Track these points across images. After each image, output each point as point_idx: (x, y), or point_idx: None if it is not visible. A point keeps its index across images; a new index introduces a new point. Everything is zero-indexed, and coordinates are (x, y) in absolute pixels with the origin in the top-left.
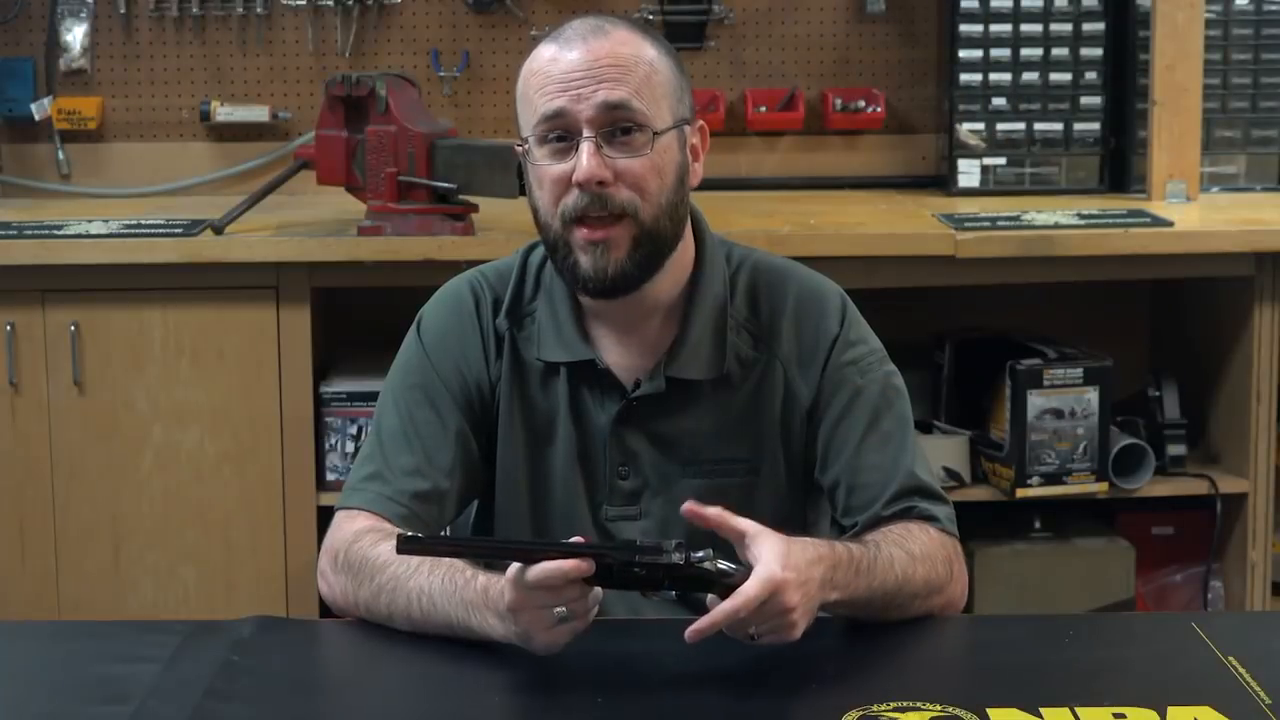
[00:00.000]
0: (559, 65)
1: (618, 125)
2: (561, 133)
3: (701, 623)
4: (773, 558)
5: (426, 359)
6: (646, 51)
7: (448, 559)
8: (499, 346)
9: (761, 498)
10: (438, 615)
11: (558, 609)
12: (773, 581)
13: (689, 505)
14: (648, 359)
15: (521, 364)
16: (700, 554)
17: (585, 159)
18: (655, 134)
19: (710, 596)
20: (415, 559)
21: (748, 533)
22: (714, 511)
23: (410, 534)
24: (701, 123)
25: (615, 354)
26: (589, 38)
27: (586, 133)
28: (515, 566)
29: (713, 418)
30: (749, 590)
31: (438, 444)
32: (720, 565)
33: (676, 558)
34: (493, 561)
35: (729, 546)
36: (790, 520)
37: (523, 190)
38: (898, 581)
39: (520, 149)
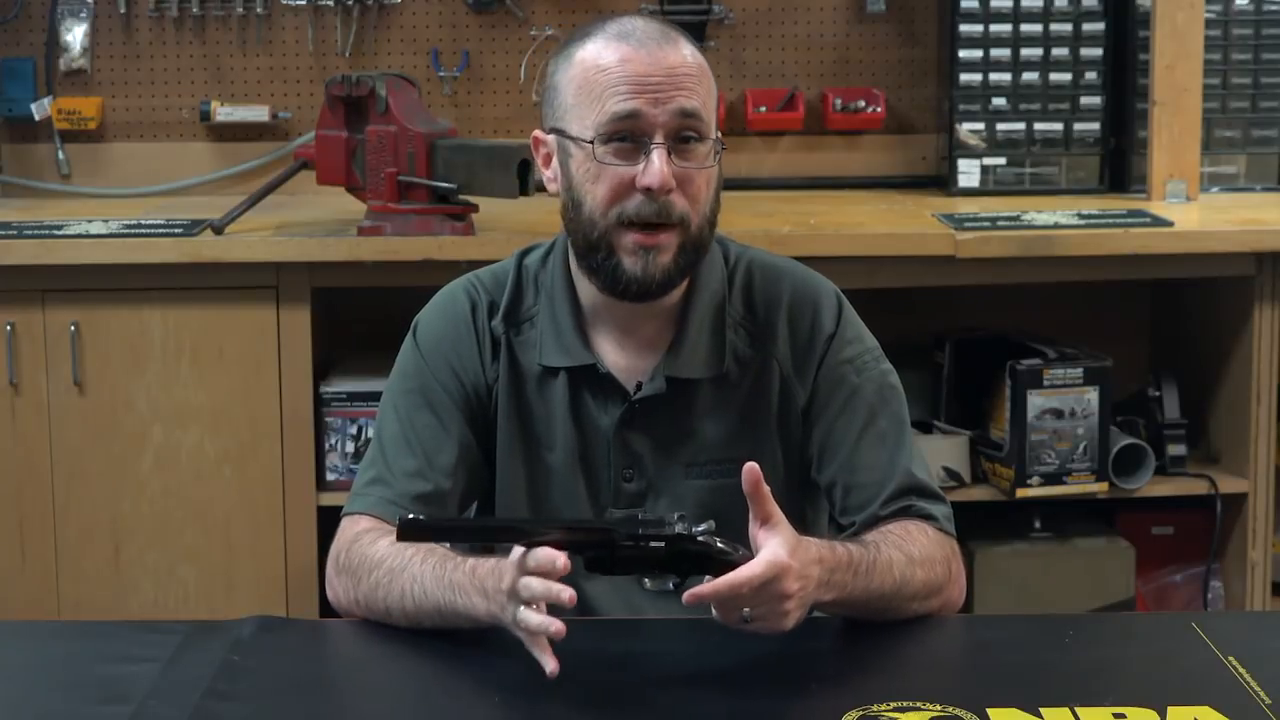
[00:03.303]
0: (633, 65)
1: (685, 134)
2: (630, 134)
3: (701, 588)
4: (780, 545)
5: (424, 363)
6: (705, 63)
7: (442, 550)
8: (495, 350)
9: None
10: (429, 602)
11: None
12: (777, 565)
13: (751, 464)
14: (647, 360)
15: (518, 368)
16: (702, 527)
17: (662, 165)
18: (716, 150)
19: (707, 578)
20: (410, 550)
21: (773, 517)
22: (763, 485)
23: (412, 516)
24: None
25: (615, 356)
26: (663, 43)
27: (659, 139)
28: (518, 551)
29: (713, 417)
30: (754, 569)
31: (438, 446)
32: (721, 544)
33: (680, 528)
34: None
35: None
36: (789, 519)
37: (523, 190)
38: (895, 584)
39: (561, 140)
